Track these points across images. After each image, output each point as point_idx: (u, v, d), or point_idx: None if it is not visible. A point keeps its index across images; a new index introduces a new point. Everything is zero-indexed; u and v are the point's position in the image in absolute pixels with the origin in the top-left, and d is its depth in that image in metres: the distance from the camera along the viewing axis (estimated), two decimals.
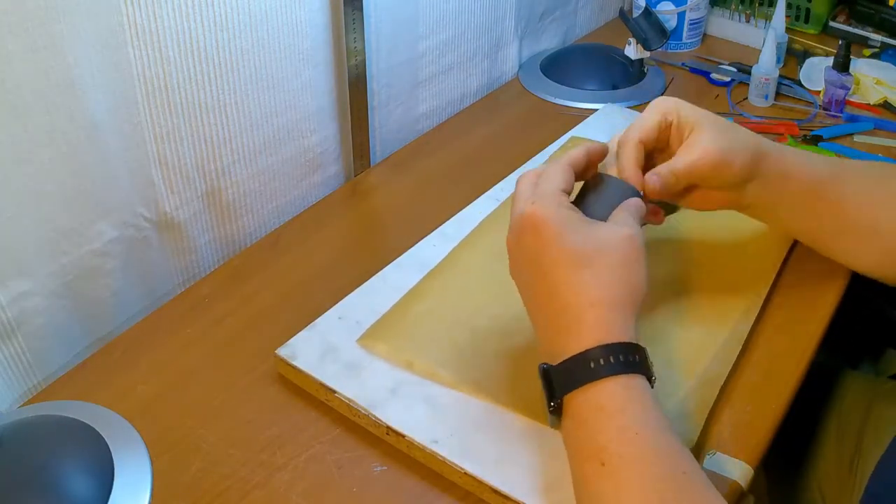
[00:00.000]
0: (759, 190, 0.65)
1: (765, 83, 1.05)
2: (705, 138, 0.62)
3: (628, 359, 0.49)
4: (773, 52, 1.04)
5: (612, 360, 0.49)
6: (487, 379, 0.64)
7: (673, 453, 0.48)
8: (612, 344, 0.50)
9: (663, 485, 0.46)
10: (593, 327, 0.50)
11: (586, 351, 0.49)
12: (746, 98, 1.08)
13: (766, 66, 1.04)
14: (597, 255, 0.52)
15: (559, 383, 0.49)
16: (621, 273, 0.53)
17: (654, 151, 0.65)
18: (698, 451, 0.60)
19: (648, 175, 0.61)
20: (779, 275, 0.75)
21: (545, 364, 0.51)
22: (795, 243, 0.77)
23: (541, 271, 0.53)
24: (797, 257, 0.77)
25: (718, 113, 1.02)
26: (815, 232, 0.70)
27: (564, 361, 0.50)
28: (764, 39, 1.05)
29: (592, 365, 0.49)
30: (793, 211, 0.68)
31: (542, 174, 0.57)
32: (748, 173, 0.64)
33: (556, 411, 0.50)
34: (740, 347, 0.66)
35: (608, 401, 0.48)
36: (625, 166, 0.62)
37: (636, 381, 0.50)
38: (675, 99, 0.65)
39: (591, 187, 0.62)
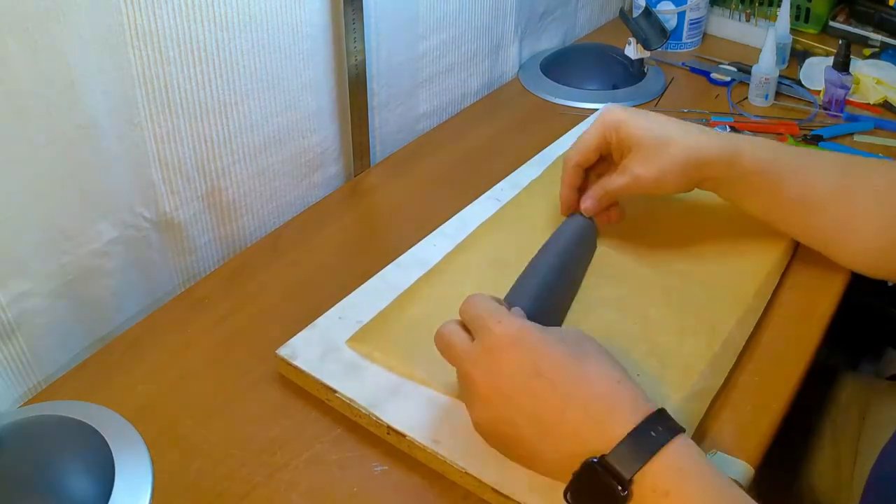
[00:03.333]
0: (712, 188, 0.70)
1: (765, 83, 1.05)
2: (638, 164, 0.68)
3: (671, 421, 0.50)
4: (773, 52, 1.04)
5: (664, 424, 0.49)
6: None
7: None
8: (652, 413, 0.50)
9: None
10: (633, 400, 0.50)
11: (642, 423, 0.49)
12: (746, 98, 1.08)
13: (767, 65, 1.04)
14: (582, 342, 0.54)
15: (625, 464, 0.47)
16: (603, 352, 0.54)
17: (599, 160, 0.74)
18: None
19: (583, 199, 0.73)
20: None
21: (593, 458, 0.48)
22: (797, 248, 0.77)
23: (545, 378, 0.51)
24: (797, 257, 0.77)
25: (719, 114, 1.03)
26: (784, 223, 0.72)
27: (622, 443, 0.48)
28: (765, 39, 1.05)
29: (653, 434, 0.48)
30: (753, 206, 0.72)
31: (473, 303, 0.55)
32: (687, 185, 0.69)
33: (622, 501, 0.47)
34: (734, 360, 0.66)
35: (682, 460, 0.48)
36: (562, 190, 0.75)
37: (687, 439, 0.50)
38: (620, 112, 0.70)
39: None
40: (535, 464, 0.53)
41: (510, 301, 0.63)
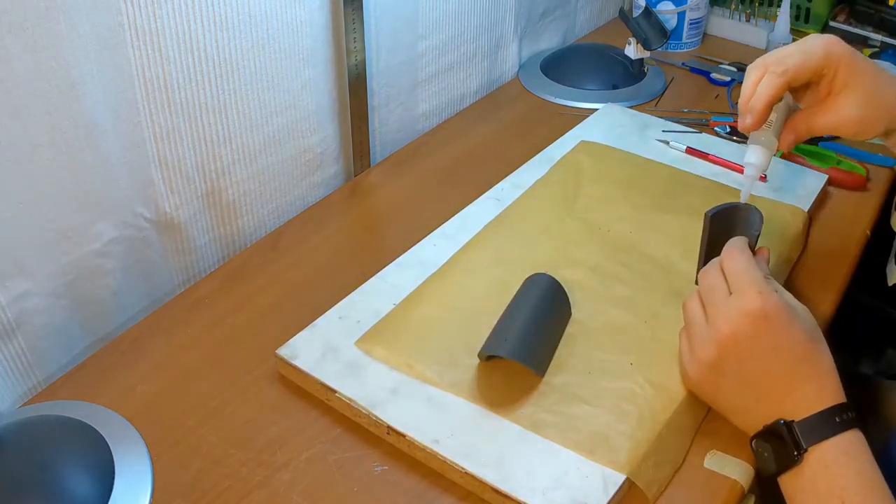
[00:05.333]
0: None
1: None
2: (850, 105, 0.64)
3: (853, 415, 0.57)
4: (787, 21, 1.07)
5: (847, 415, 0.56)
6: (485, 386, 0.64)
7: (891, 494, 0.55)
8: (845, 403, 0.57)
9: None
10: (833, 389, 0.58)
11: (832, 407, 0.56)
12: None
13: (781, 34, 1.08)
14: (815, 329, 0.60)
15: (808, 435, 0.56)
16: (824, 341, 0.60)
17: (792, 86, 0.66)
18: (695, 461, 0.60)
19: (785, 135, 0.67)
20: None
21: (782, 419, 0.57)
22: (802, 251, 0.77)
23: (780, 354, 0.58)
24: (799, 258, 0.77)
25: (719, 114, 1.03)
26: None
27: (811, 416, 0.56)
28: (768, 38, 1.05)
29: (838, 419, 0.56)
30: None
31: (740, 260, 0.61)
32: (882, 134, 0.67)
33: (793, 461, 0.56)
34: None
35: (850, 447, 0.56)
36: (755, 104, 0.64)
37: (860, 434, 0.57)
38: (844, 47, 0.64)
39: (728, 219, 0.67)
40: (735, 414, 0.61)
41: (492, 342, 0.64)
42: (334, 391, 0.63)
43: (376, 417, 0.61)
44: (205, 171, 0.79)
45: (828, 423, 0.56)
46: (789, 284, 0.74)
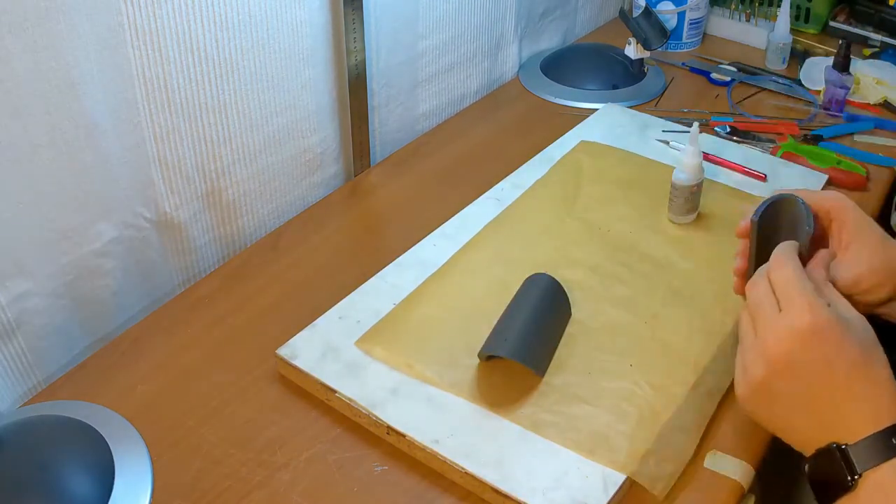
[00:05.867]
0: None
1: (782, 48, 1.12)
2: (868, 255, 0.63)
3: None
4: (787, 20, 1.11)
5: None
6: (485, 386, 0.64)
7: None
8: None
9: None
10: (889, 407, 0.54)
11: (888, 429, 0.52)
12: (756, 92, 1.08)
13: (782, 33, 1.13)
14: (872, 343, 0.56)
15: (862, 460, 0.52)
16: (882, 352, 0.57)
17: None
18: (696, 461, 0.60)
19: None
20: None
21: (835, 443, 0.53)
22: None
23: (834, 371, 0.54)
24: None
25: (719, 114, 1.03)
26: None
27: (865, 439, 0.52)
28: (768, 38, 1.05)
29: (894, 441, 0.52)
30: None
31: (788, 272, 0.57)
32: (889, 292, 0.64)
33: (847, 487, 0.52)
34: None
35: None
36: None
37: None
38: (847, 201, 0.64)
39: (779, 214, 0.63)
40: (787, 434, 0.57)
41: (492, 342, 0.64)
42: (334, 391, 0.63)
43: (376, 417, 0.61)
44: (205, 171, 0.79)
45: (884, 445, 0.52)
46: None
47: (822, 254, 0.62)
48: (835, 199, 0.64)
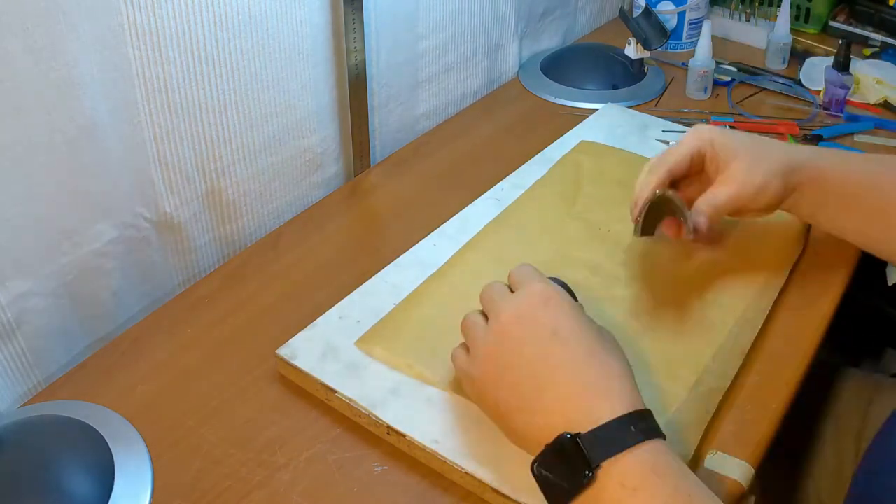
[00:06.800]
0: (796, 200, 0.68)
1: (702, 76, 1.07)
2: (742, 169, 0.66)
3: (654, 423, 0.50)
4: (708, 46, 1.07)
5: (647, 423, 0.49)
6: None
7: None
8: (642, 410, 0.50)
9: None
10: (629, 396, 0.51)
11: (625, 416, 0.49)
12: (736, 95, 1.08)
13: (703, 58, 1.07)
14: (606, 335, 0.56)
15: (597, 449, 0.47)
16: (619, 347, 0.56)
17: (683, 179, 0.69)
18: (696, 461, 0.60)
19: (695, 216, 0.65)
20: None
21: (568, 433, 0.48)
22: (803, 252, 0.77)
23: (560, 340, 0.53)
24: (799, 258, 0.77)
25: (719, 114, 1.03)
26: (861, 234, 0.70)
27: (600, 428, 0.48)
28: (700, 33, 1.05)
29: (633, 429, 0.48)
30: (834, 215, 0.70)
31: (526, 269, 0.59)
32: (784, 194, 0.67)
33: (582, 483, 0.47)
34: (742, 360, 0.66)
35: (658, 462, 0.48)
36: (637, 201, 0.68)
37: (664, 443, 0.50)
38: (711, 128, 0.68)
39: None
40: (515, 422, 0.54)
41: None
42: (334, 391, 0.63)
43: (376, 417, 0.61)
44: (205, 171, 0.79)
45: (624, 433, 0.48)
46: (789, 285, 0.74)
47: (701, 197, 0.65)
48: (696, 139, 0.68)
